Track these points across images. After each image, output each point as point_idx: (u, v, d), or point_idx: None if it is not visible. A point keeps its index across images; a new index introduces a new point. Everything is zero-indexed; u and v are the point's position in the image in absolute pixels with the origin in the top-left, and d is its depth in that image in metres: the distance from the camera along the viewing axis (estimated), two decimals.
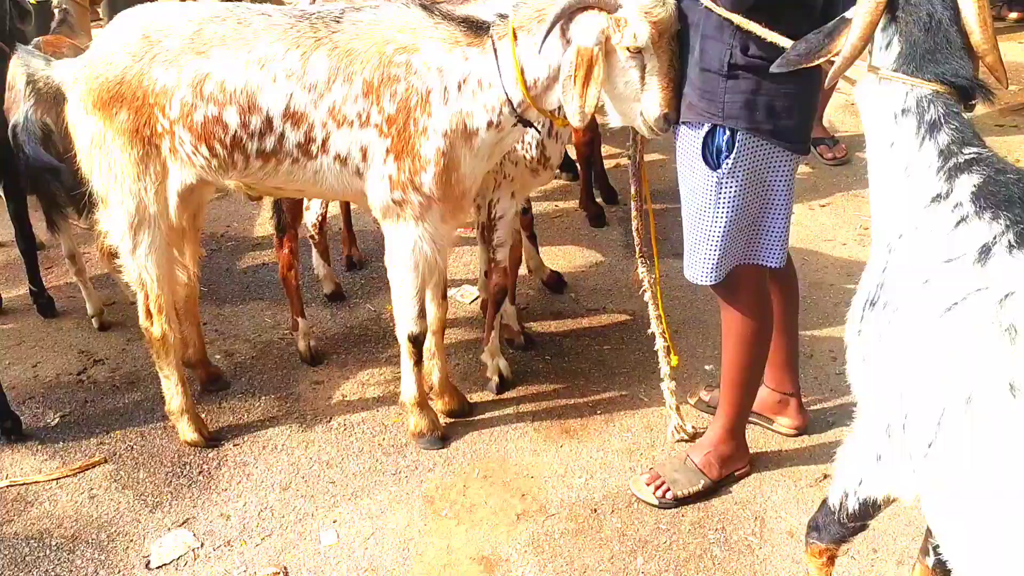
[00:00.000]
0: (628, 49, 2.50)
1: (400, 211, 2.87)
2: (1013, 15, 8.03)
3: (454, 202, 2.89)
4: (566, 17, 2.51)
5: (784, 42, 2.16)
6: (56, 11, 4.71)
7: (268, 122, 2.75)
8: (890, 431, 1.77)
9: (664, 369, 3.20)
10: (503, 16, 2.68)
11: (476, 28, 2.69)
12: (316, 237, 4.13)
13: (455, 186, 2.83)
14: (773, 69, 2.02)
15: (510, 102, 2.70)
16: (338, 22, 2.76)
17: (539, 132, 3.02)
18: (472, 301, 4.25)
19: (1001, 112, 6.06)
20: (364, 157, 2.80)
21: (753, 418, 3.20)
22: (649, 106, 2.59)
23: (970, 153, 1.73)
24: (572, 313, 4.16)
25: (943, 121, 1.76)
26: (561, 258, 4.61)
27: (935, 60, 1.81)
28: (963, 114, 1.81)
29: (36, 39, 3.93)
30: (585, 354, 3.83)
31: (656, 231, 3.23)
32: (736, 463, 3.04)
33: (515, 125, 2.77)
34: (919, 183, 1.76)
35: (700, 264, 2.74)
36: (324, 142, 2.78)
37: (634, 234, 3.16)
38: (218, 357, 3.87)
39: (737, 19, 2.32)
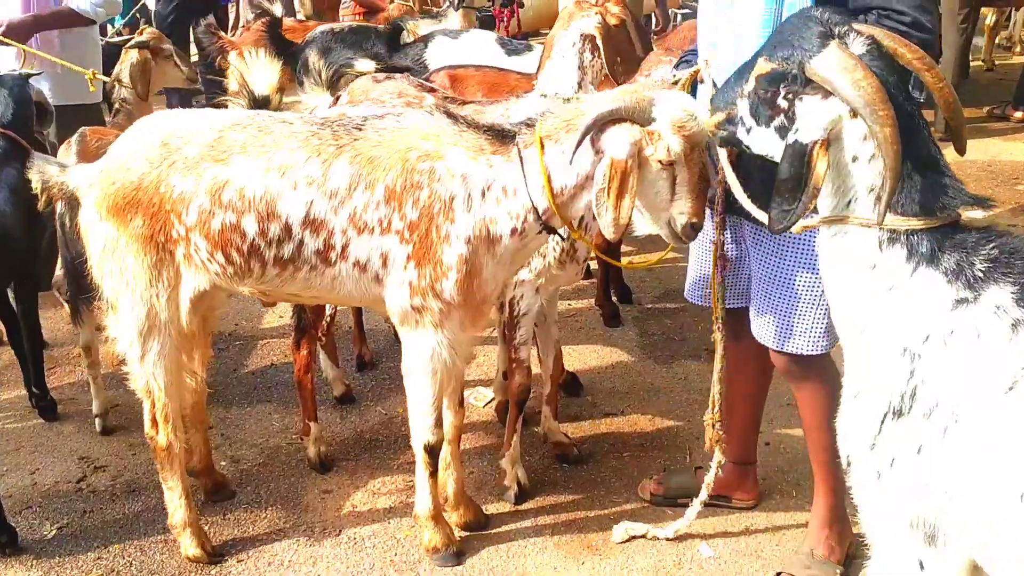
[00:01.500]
0: (660, 161, 2.47)
1: (419, 317, 2.79)
2: (1018, 114, 8.14)
3: (475, 309, 2.81)
4: (597, 128, 2.48)
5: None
6: (116, 103, 4.77)
7: (287, 229, 2.69)
8: (935, 537, 1.79)
9: (715, 460, 3.01)
10: (529, 124, 2.65)
11: (501, 136, 2.66)
12: (323, 338, 4.04)
13: (476, 293, 2.76)
14: (777, 231, 1.96)
15: (535, 210, 2.65)
16: (360, 129, 2.73)
17: (563, 239, 2.96)
18: (486, 404, 4.13)
19: (1012, 212, 6.05)
20: (384, 264, 2.74)
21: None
22: (679, 215, 2.54)
23: (984, 262, 1.76)
24: (589, 416, 4.04)
25: (939, 251, 1.81)
26: (576, 359, 4.51)
27: (927, 189, 1.84)
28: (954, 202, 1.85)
29: (82, 128, 3.95)
30: (604, 462, 3.69)
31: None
32: (849, 536, 2.96)
33: (539, 233, 2.72)
34: (925, 294, 1.80)
35: (808, 333, 2.69)
36: (344, 249, 2.72)
37: (712, 291, 2.90)
38: (224, 464, 3.73)
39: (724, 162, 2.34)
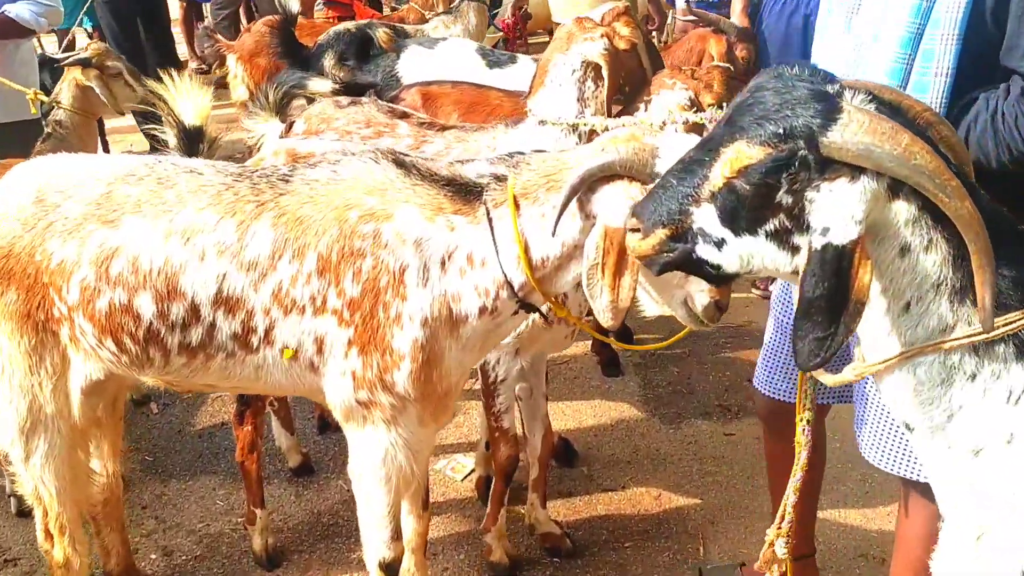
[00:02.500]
0: None
1: (367, 413, 2.22)
2: None
3: (436, 402, 2.23)
4: (586, 187, 1.91)
5: None
6: (49, 125, 4.16)
7: (194, 310, 2.12)
8: None
9: None
10: (499, 178, 2.08)
11: (465, 192, 2.09)
12: (275, 403, 3.46)
13: (437, 384, 2.19)
14: (810, 368, 1.44)
15: (509, 284, 2.08)
16: (286, 182, 2.15)
17: (546, 319, 2.38)
18: (465, 477, 3.56)
19: None
20: (320, 350, 2.17)
21: None
22: (697, 293, 1.97)
23: None
24: (585, 491, 3.47)
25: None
26: (569, 417, 3.94)
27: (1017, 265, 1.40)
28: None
29: None
30: (603, 555, 3.12)
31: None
32: None
33: (516, 312, 2.15)
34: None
35: None
36: (268, 332, 2.15)
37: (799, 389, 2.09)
38: (153, 557, 3.17)
39: None
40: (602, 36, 2.96)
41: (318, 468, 3.65)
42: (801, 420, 2.09)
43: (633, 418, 3.93)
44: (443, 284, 2.10)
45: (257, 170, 2.20)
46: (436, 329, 2.12)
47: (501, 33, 7.88)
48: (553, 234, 1.95)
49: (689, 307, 2.00)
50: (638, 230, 1.57)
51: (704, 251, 1.49)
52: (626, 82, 3.02)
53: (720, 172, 1.44)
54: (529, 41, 9.55)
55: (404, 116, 3.26)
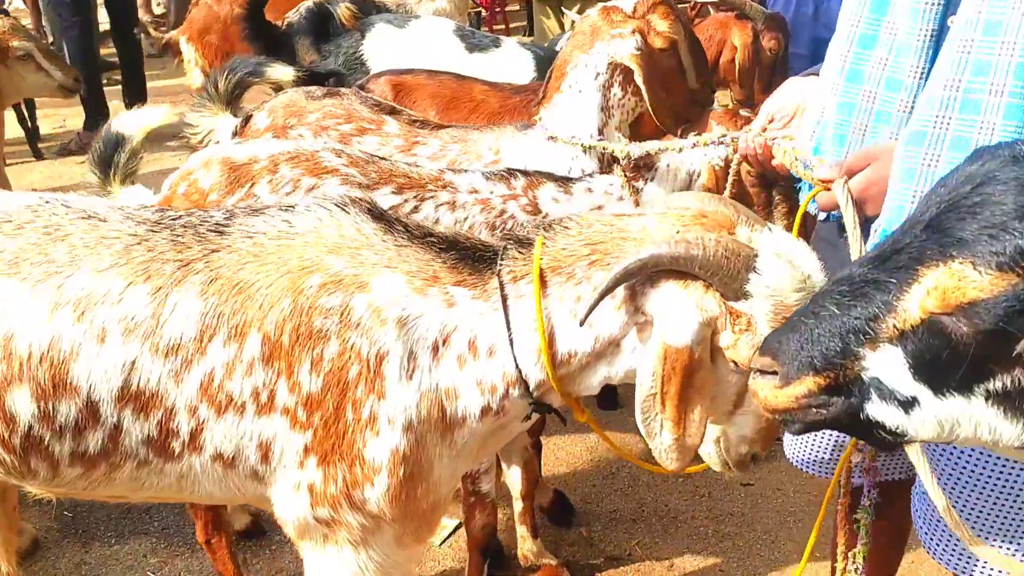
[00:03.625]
0: (736, 364, 1.41)
1: (329, 532, 1.69)
2: None
3: (419, 520, 1.71)
4: (644, 276, 1.39)
5: None
6: None
7: (91, 409, 1.55)
8: None
9: None
10: (522, 242, 1.54)
11: (472, 258, 1.55)
12: None
13: (421, 499, 1.66)
14: None
15: (524, 382, 1.54)
16: (221, 233, 1.59)
17: (562, 419, 1.86)
18: (444, 541, 3.04)
19: None
20: (265, 457, 1.62)
21: None
22: (737, 437, 1.53)
23: None
24: (585, 559, 2.97)
25: None
26: (563, 462, 3.43)
27: None
28: None
29: None
30: None
31: None
32: None
33: (529, 416, 1.62)
34: None
35: None
36: (194, 436, 1.59)
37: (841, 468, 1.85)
38: None
39: None
40: (634, 32, 2.41)
41: (271, 529, 3.10)
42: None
43: (635, 464, 3.43)
44: (435, 377, 1.56)
45: (182, 216, 1.62)
46: (423, 435, 1.59)
47: (477, 6, 7.18)
48: (582, 323, 1.43)
49: (722, 448, 1.53)
50: (773, 372, 1.05)
51: (880, 411, 1.00)
52: (665, 87, 2.48)
53: (919, 303, 0.94)
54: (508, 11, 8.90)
55: (393, 112, 2.70)
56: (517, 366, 1.52)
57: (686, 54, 2.49)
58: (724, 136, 2.20)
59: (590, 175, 2.43)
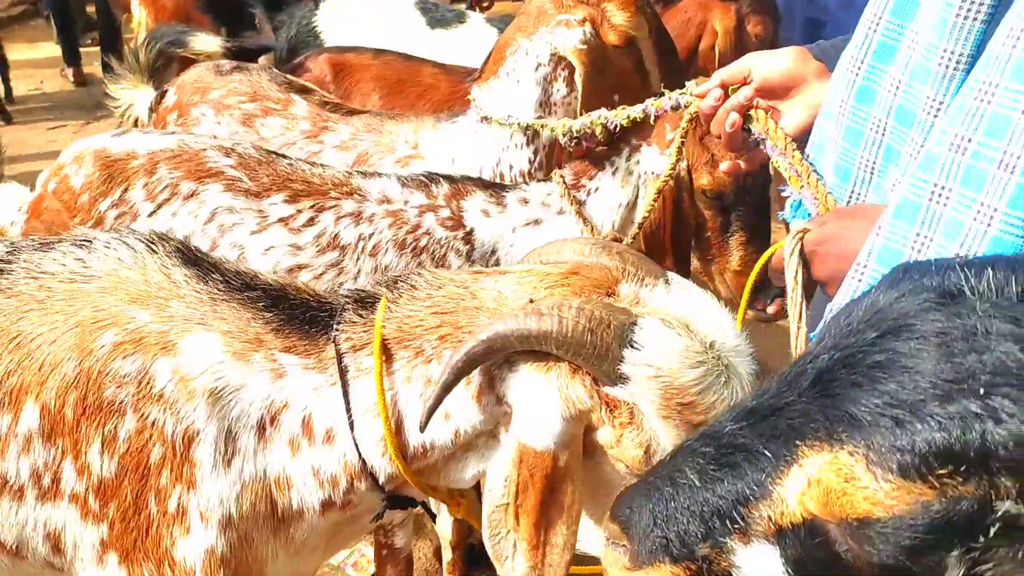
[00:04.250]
0: (626, 464, 1.09)
1: None
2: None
3: None
4: (490, 360, 1.06)
5: None
6: None
7: None
8: None
9: None
10: (362, 301, 1.21)
11: (303, 316, 1.22)
12: None
13: None
14: None
15: (369, 473, 1.22)
16: (1, 271, 1.26)
17: (431, 514, 1.53)
18: None
19: None
20: (57, 549, 1.31)
21: None
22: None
23: None
24: None
25: None
26: None
27: None
28: None
29: None
30: None
31: None
32: None
33: (384, 509, 1.30)
34: None
35: None
36: None
37: None
38: None
39: None
40: (583, 21, 2.03)
41: None
42: None
43: None
44: (260, 462, 1.24)
45: None
46: (247, 532, 1.27)
47: None
48: (422, 428, 1.10)
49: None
50: (621, 544, 0.76)
51: None
52: (618, 88, 2.10)
53: (798, 496, 0.64)
54: None
55: (304, 91, 2.37)
56: (360, 456, 1.20)
57: (649, 53, 2.10)
58: (683, 95, 1.78)
59: (524, 184, 2.08)
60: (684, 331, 1.07)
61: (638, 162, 2.04)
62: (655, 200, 1.70)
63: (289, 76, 2.51)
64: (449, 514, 1.38)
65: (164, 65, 2.73)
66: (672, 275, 1.18)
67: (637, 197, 2.03)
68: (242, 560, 1.28)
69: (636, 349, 1.04)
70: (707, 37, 2.69)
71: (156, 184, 1.90)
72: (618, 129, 1.89)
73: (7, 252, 1.28)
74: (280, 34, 3.55)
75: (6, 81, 6.68)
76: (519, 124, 2.14)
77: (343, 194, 1.93)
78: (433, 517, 1.44)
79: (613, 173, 2.06)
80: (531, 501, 1.08)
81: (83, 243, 1.27)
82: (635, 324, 1.06)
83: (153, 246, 1.25)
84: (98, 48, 7.30)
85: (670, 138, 1.94)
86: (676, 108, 1.79)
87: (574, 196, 2.03)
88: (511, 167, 2.18)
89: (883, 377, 0.61)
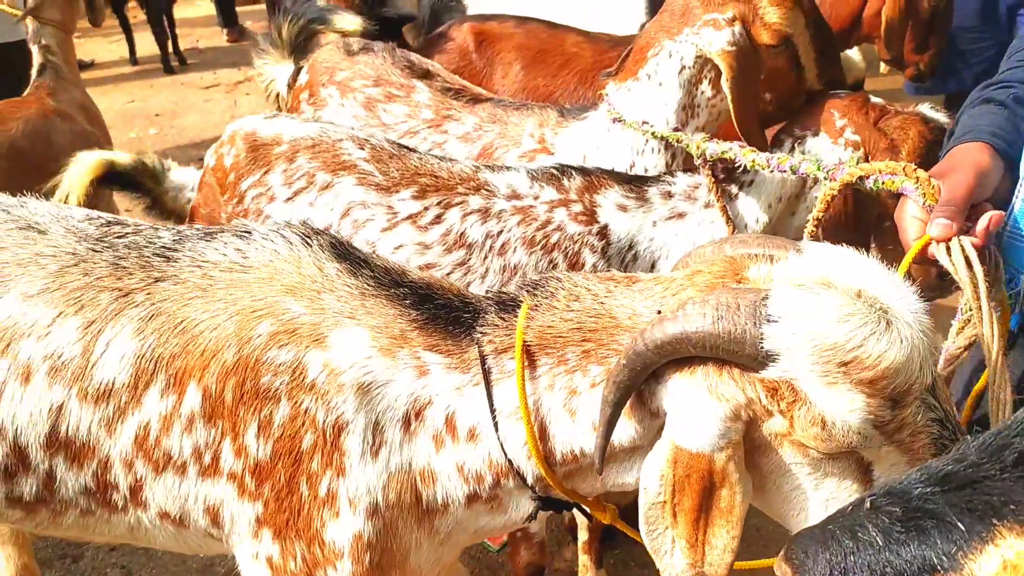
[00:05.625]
0: (808, 447, 1.01)
1: None
2: None
3: None
4: (645, 375, 1.03)
5: None
6: (35, 49, 3.40)
7: (19, 455, 1.35)
8: None
9: None
10: (504, 304, 1.19)
11: (447, 316, 1.22)
12: None
13: None
14: None
15: (516, 472, 1.22)
16: (168, 259, 1.31)
17: (588, 517, 1.50)
18: (501, 548, 2.79)
19: None
20: (216, 522, 1.37)
21: None
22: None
23: None
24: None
25: None
26: None
27: None
28: None
29: None
30: None
31: None
32: None
33: (536, 510, 1.29)
34: None
35: None
36: (134, 492, 1.36)
37: None
38: None
39: None
40: (733, 20, 1.89)
41: None
42: None
43: None
44: (406, 455, 1.26)
45: (129, 233, 1.36)
46: (393, 520, 1.30)
47: None
48: (599, 470, 1.08)
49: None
50: None
51: None
52: (772, 89, 1.96)
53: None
54: None
55: (426, 76, 2.35)
56: (506, 455, 1.20)
57: (806, 49, 1.92)
58: (818, 161, 1.69)
59: (669, 174, 1.98)
60: (823, 288, 1.00)
61: (804, 153, 1.89)
62: (831, 197, 1.58)
63: (413, 57, 2.46)
64: (597, 520, 1.35)
65: (307, 41, 2.76)
66: (804, 243, 1.11)
67: (803, 189, 1.90)
68: (387, 546, 1.31)
69: (774, 322, 0.98)
70: (873, 2, 2.51)
71: (294, 172, 1.93)
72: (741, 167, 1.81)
73: (174, 240, 1.34)
74: (423, 0, 3.55)
75: (174, 38, 7.04)
76: (653, 133, 2.03)
77: (470, 189, 1.89)
78: (589, 518, 1.42)
79: (771, 171, 1.93)
80: (688, 502, 1.05)
81: (243, 234, 1.31)
82: (766, 298, 1.00)
83: (308, 240, 1.28)
84: (259, 6, 7.60)
85: (840, 125, 1.82)
86: (795, 171, 1.71)
87: (725, 189, 1.93)
88: (646, 171, 2.08)
89: None
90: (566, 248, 1.85)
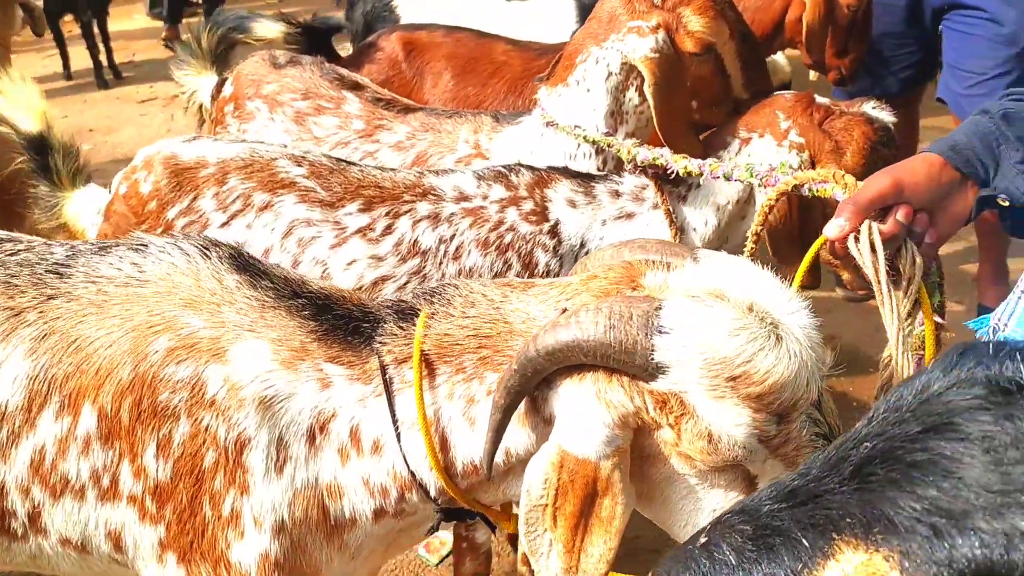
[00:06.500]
0: (695, 460, 1.01)
1: None
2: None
3: None
4: (531, 387, 1.02)
5: None
6: None
7: None
8: None
9: None
10: (402, 312, 1.17)
11: (346, 327, 1.19)
12: None
13: None
14: None
15: (420, 485, 1.20)
16: (60, 275, 1.27)
17: (492, 529, 1.49)
18: (440, 561, 2.76)
19: None
20: (119, 548, 1.33)
21: None
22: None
23: None
24: None
25: None
26: None
27: None
28: None
29: None
30: None
31: None
32: None
33: (439, 522, 1.27)
34: None
35: None
36: (33, 519, 1.31)
37: None
38: None
39: None
40: (657, 28, 1.90)
41: None
42: None
43: None
44: (312, 470, 1.23)
45: (21, 250, 1.31)
46: (302, 537, 1.26)
47: None
48: (488, 477, 1.07)
49: None
50: None
51: None
52: (698, 96, 1.98)
53: None
54: None
55: (356, 88, 2.32)
56: (409, 468, 1.17)
57: (731, 57, 1.94)
58: (751, 168, 1.70)
59: (617, 175, 1.96)
60: (716, 301, 1.00)
61: (750, 155, 1.89)
62: (768, 208, 1.59)
63: (341, 71, 2.43)
64: (502, 527, 1.34)
65: (227, 51, 2.71)
66: (702, 251, 1.11)
67: (753, 194, 1.90)
68: (296, 564, 1.28)
69: (666, 334, 0.98)
70: (794, 8, 2.55)
71: (228, 194, 1.85)
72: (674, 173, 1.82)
73: (67, 256, 1.29)
74: (355, 9, 3.52)
75: (109, 51, 6.90)
76: (585, 137, 2.05)
77: (417, 196, 1.86)
78: (493, 528, 1.41)
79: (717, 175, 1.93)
80: (570, 507, 1.04)
81: (139, 247, 1.27)
82: (659, 309, 1.00)
83: (207, 251, 1.24)
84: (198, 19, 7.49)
85: (785, 127, 1.82)
86: (728, 178, 1.74)
87: (672, 191, 1.93)
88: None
89: (923, 480, 0.55)
90: (519, 248, 1.85)
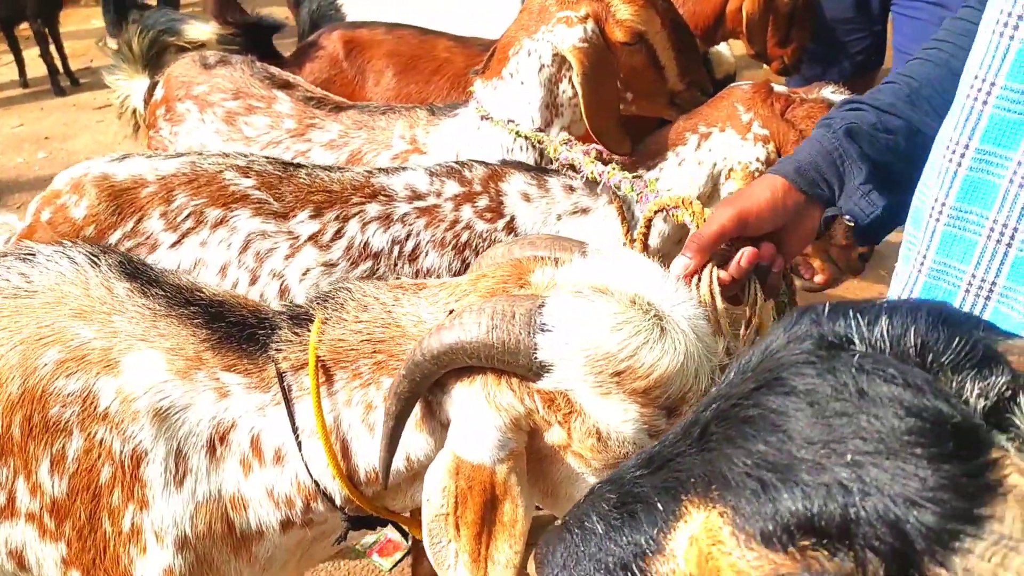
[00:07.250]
0: (587, 458, 0.98)
1: None
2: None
3: None
4: (422, 391, 0.99)
5: None
6: None
7: None
8: None
9: None
10: (296, 319, 1.14)
11: (241, 334, 1.16)
12: None
13: None
14: None
15: (323, 494, 1.16)
16: None
17: (404, 534, 1.45)
18: (395, 565, 2.72)
19: None
20: (22, 565, 1.29)
21: None
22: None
23: None
24: None
25: None
26: None
27: None
28: None
29: None
30: None
31: None
32: None
33: (347, 531, 1.24)
34: None
35: None
36: None
37: None
38: None
39: None
40: (586, 18, 1.87)
41: None
42: None
43: None
44: (214, 482, 1.19)
45: None
46: (207, 551, 1.22)
47: None
48: (385, 485, 1.04)
49: None
50: None
51: None
52: (631, 88, 1.96)
53: (684, 555, 0.61)
54: None
55: (287, 86, 2.28)
56: (312, 477, 1.14)
57: (664, 47, 1.92)
58: (632, 184, 1.74)
59: (571, 167, 1.92)
60: (598, 296, 0.97)
61: (710, 151, 1.86)
62: (647, 223, 1.59)
63: (272, 70, 2.38)
64: (413, 534, 1.30)
65: (159, 54, 2.65)
66: (589, 246, 1.08)
67: (714, 188, 1.86)
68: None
69: (548, 332, 0.95)
70: (733, 10, 2.52)
71: (177, 212, 1.78)
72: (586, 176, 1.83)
73: None
74: (302, 8, 3.47)
75: (63, 57, 6.80)
76: (518, 132, 2.01)
77: (366, 197, 1.81)
78: (405, 535, 1.38)
79: (679, 164, 1.88)
80: (471, 515, 1.01)
81: (26, 257, 1.22)
82: (542, 306, 0.97)
83: (96, 259, 1.20)
84: None
85: (747, 120, 1.79)
86: (618, 188, 1.77)
87: (629, 182, 1.91)
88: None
89: (753, 435, 0.55)
90: (477, 247, 1.81)
